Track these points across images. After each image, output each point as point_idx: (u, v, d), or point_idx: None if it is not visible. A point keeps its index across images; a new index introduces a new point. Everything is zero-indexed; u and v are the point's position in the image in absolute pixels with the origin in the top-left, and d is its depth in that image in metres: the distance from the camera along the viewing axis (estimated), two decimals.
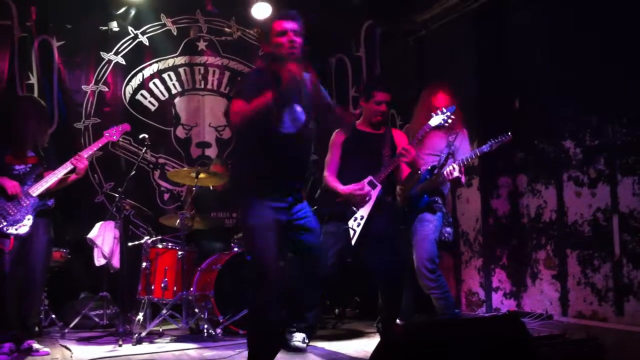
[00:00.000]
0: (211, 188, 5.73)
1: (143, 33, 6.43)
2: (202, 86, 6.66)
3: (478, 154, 4.12)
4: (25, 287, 4.11)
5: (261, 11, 6.05)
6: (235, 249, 5.08)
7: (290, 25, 3.07)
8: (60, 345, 4.46)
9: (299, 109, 3.12)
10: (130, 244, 5.19)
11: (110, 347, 4.35)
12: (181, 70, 6.58)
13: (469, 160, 4.15)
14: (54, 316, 5.01)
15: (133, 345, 4.36)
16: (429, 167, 4.22)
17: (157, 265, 4.91)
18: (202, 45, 6.65)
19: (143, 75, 6.44)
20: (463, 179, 4.20)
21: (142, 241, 5.09)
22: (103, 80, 6.28)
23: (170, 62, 6.55)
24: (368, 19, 6.94)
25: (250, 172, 3.13)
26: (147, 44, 6.44)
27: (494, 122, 5.36)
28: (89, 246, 5.34)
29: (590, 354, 3.36)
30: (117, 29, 6.27)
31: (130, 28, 6.37)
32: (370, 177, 4.14)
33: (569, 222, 4.90)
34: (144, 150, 5.08)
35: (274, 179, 3.08)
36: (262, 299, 3.02)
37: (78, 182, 4.33)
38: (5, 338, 4.01)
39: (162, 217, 5.39)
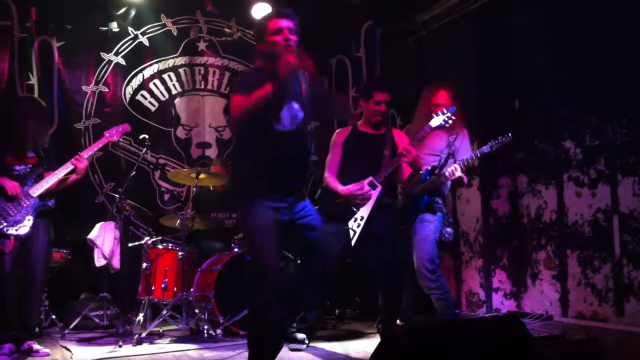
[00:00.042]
0: (211, 189, 5.74)
1: (143, 33, 6.42)
2: (202, 87, 6.66)
3: (479, 154, 4.11)
4: (25, 287, 4.11)
5: (261, 12, 6.04)
6: (236, 250, 5.08)
7: (285, 23, 3.06)
8: (61, 346, 4.46)
9: (296, 106, 3.12)
10: (130, 244, 5.18)
11: (110, 347, 4.35)
12: (181, 70, 6.58)
13: (470, 160, 4.15)
14: (54, 317, 5.00)
15: (133, 346, 4.36)
16: (429, 168, 4.22)
17: (157, 266, 4.91)
18: (202, 45, 6.65)
19: (143, 76, 6.43)
20: (465, 179, 4.21)
21: (143, 242, 5.09)
22: (103, 80, 6.28)
23: (170, 62, 6.55)
24: (368, 20, 6.95)
25: (250, 172, 3.13)
26: (147, 44, 6.44)
27: (494, 122, 5.36)
28: (89, 247, 5.33)
29: (590, 355, 3.37)
30: (117, 30, 6.26)
31: (130, 28, 6.36)
32: (370, 178, 4.14)
33: (569, 223, 4.90)
34: (144, 151, 5.08)
35: (273, 179, 3.07)
36: (262, 299, 3.01)
37: (78, 182, 4.33)
38: (5, 339, 4.01)
39: (163, 217, 5.39)
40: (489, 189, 5.60)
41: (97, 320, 5.16)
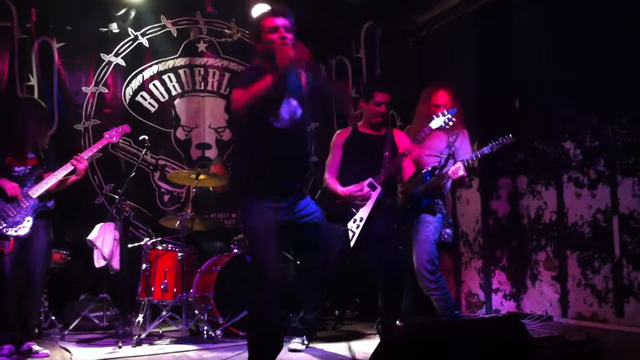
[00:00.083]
0: (211, 189, 5.74)
1: (143, 34, 6.43)
2: (202, 87, 6.66)
3: (479, 155, 4.11)
4: (25, 288, 4.11)
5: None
6: (235, 251, 5.08)
7: (281, 21, 3.06)
8: (60, 347, 4.46)
9: (295, 103, 3.11)
10: (130, 245, 5.18)
11: (110, 348, 4.35)
12: (181, 71, 6.58)
13: (471, 161, 4.15)
14: (53, 318, 5.00)
15: (133, 346, 4.35)
16: (430, 168, 4.22)
17: (157, 267, 4.91)
18: (202, 46, 6.65)
19: (143, 77, 6.43)
20: (465, 180, 4.21)
21: (142, 243, 5.09)
22: (103, 81, 6.28)
23: (170, 63, 6.55)
24: (368, 20, 6.95)
25: (250, 172, 3.13)
26: (147, 45, 6.44)
27: (494, 122, 5.37)
28: (89, 248, 5.32)
29: (590, 356, 3.37)
30: (117, 31, 6.27)
31: (130, 29, 6.36)
32: (370, 179, 4.13)
33: (569, 224, 4.90)
34: (144, 152, 5.07)
35: (273, 179, 3.07)
36: (262, 300, 3.01)
37: (78, 183, 4.33)
38: (5, 340, 4.01)
39: (162, 218, 5.39)
40: (489, 189, 5.60)
41: (96, 321, 5.15)
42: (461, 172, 4.03)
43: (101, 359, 4.06)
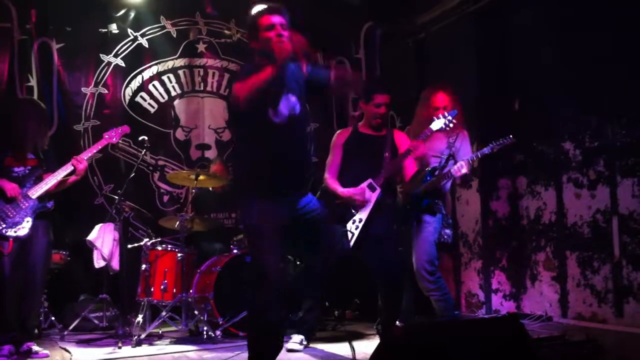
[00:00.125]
0: (210, 189, 5.74)
1: (142, 35, 6.43)
2: (202, 88, 6.66)
3: (479, 155, 4.11)
4: (24, 289, 4.11)
5: None
6: (235, 251, 5.08)
7: (277, 19, 3.05)
8: (60, 347, 4.46)
9: (294, 98, 3.11)
10: (129, 246, 5.18)
11: (109, 349, 4.35)
12: (181, 72, 6.58)
13: (471, 161, 4.15)
14: (53, 318, 5.00)
15: (132, 347, 4.35)
16: (430, 169, 4.23)
17: (156, 267, 4.90)
18: (201, 47, 6.65)
19: (142, 78, 6.43)
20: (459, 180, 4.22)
21: (142, 243, 5.09)
22: (103, 82, 6.27)
23: (169, 64, 6.55)
24: (368, 21, 6.95)
25: (250, 172, 3.13)
26: (146, 46, 6.44)
27: (494, 123, 5.37)
28: (89, 248, 5.33)
29: (589, 356, 3.37)
30: (116, 31, 6.26)
31: (129, 30, 6.36)
32: (370, 180, 4.13)
33: (569, 224, 4.90)
34: (143, 152, 5.07)
35: (273, 179, 3.06)
36: (262, 300, 3.01)
37: (77, 184, 4.34)
38: (4, 340, 4.01)
39: (162, 219, 5.39)
40: (489, 190, 5.60)
41: (96, 321, 5.15)
42: (464, 170, 4.03)
43: (101, 359, 4.06)
